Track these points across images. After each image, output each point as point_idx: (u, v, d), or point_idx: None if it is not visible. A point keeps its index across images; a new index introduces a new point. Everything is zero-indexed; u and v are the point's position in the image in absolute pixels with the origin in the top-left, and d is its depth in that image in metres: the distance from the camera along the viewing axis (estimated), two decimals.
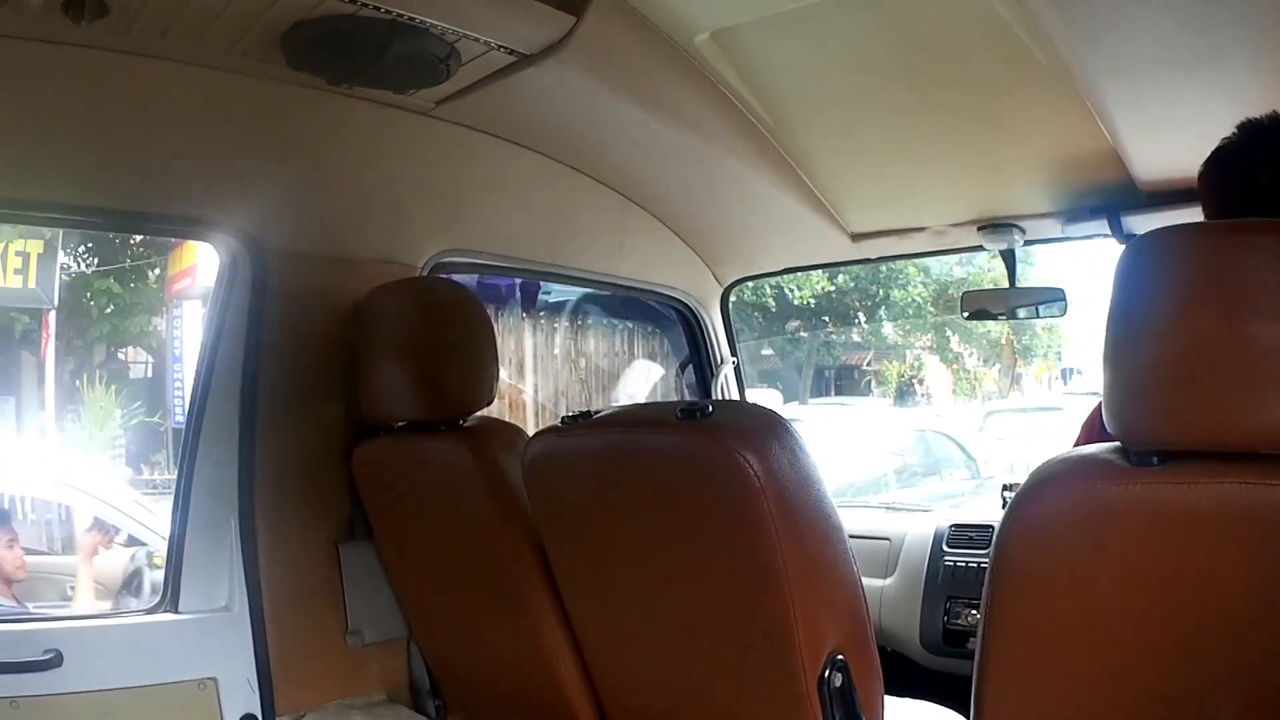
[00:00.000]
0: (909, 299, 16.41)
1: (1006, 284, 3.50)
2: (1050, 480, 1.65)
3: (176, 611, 2.85)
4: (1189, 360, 1.50)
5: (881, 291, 16.47)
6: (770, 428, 1.99)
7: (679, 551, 2.14)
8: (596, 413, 2.31)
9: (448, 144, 3.16)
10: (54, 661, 2.58)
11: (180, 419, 12.11)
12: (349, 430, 2.95)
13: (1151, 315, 1.55)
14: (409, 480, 2.82)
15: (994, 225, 3.31)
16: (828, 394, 18.83)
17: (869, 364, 18.03)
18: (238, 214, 2.82)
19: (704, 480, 2.00)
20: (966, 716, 2.60)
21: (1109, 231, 3.15)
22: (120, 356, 12.70)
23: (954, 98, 2.75)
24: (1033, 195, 3.15)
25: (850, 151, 3.08)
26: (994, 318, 3.58)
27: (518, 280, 3.91)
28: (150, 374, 13.34)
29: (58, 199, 2.62)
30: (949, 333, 17.57)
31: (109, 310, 12.58)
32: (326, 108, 2.90)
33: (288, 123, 2.87)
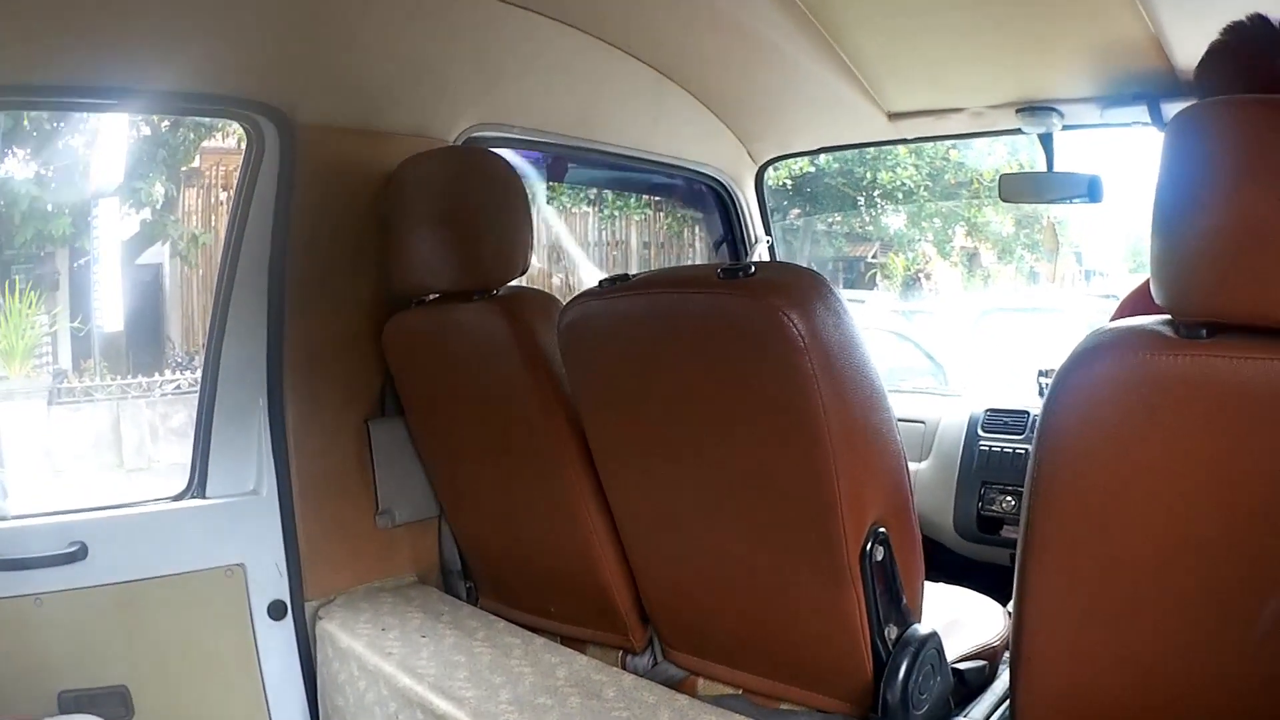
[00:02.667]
0: (897, 181, 15.93)
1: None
2: (1099, 350, 1.64)
3: (204, 497, 2.83)
4: (1238, 233, 1.49)
5: (869, 174, 16.07)
6: (815, 287, 1.97)
7: (720, 415, 2.11)
8: (634, 276, 2.27)
9: (481, 16, 3.09)
10: (78, 554, 2.56)
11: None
12: (379, 306, 2.91)
13: (1199, 188, 1.54)
14: (441, 352, 2.78)
15: (1032, 108, 3.27)
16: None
17: (874, 256, 17.57)
18: (264, 89, 2.75)
19: (746, 340, 1.97)
20: (1000, 604, 2.64)
21: (1148, 119, 3.13)
22: (47, 262, 12.46)
23: None
24: (1072, 79, 3.11)
25: (889, 28, 3.05)
26: (1031, 202, 3.56)
27: (547, 158, 3.84)
28: (80, 279, 13.12)
29: (71, 82, 2.54)
30: (952, 226, 17.01)
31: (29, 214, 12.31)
32: None
33: None
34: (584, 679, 2.33)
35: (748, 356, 1.99)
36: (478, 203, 2.68)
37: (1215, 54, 2.14)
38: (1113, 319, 1.87)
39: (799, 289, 1.94)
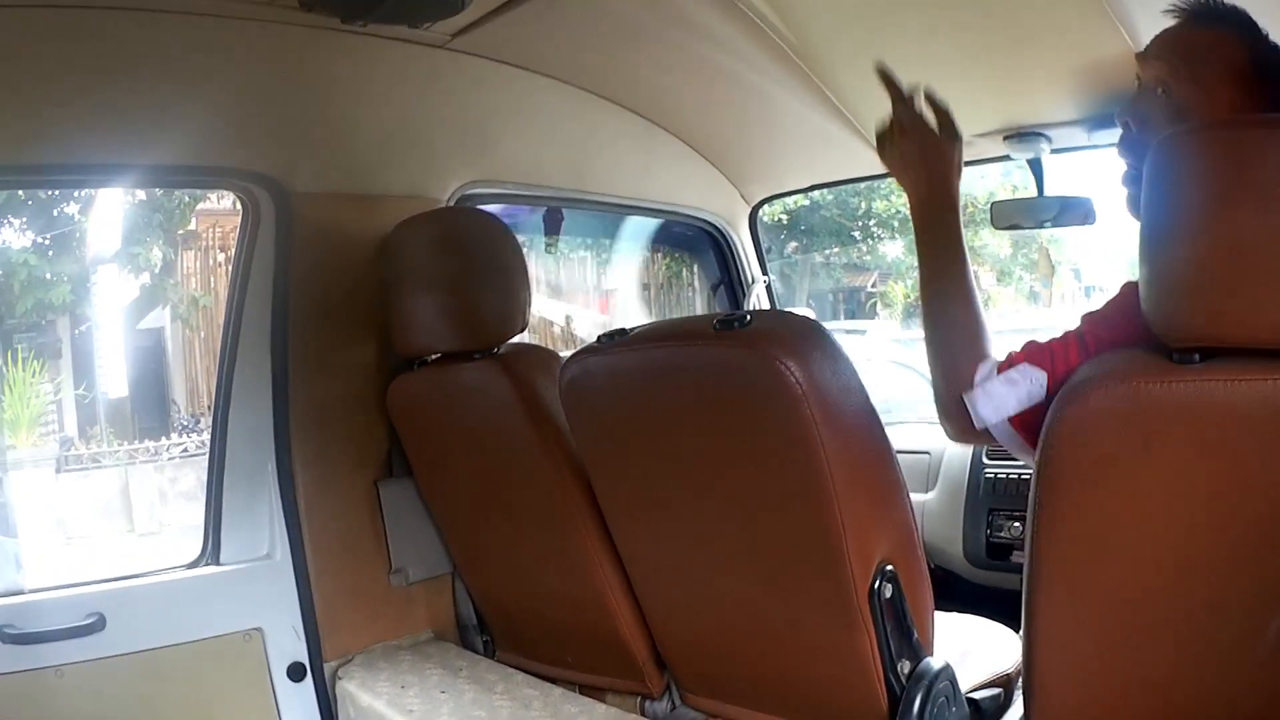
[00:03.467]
0: (892, 209, 15.82)
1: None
2: (1093, 381, 1.64)
3: (218, 564, 2.85)
4: (1225, 257, 1.50)
5: (864, 204, 15.98)
6: (810, 335, 1.98)
7: (723, 466, 2.13)
8: (632, 330, 2.28)
9: (466, 76, 3.12)
10: (97, 625, 2.56)
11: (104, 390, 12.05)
12: (382, 368, 2.94)
13: (1184, 213, 1.55)
14: (446, 412, 2.80)
15: (1020, 134, 3.28)
16: (833, 319, 17.73)
17: (874, 285, 17.45)
18: (258, 159, 2.79)
19: (746, 391, 1.99)
20: (1014, 629, 2.64)
21: None
22: (49, 330, 12.49)
23: (976, 7, 2.74)
24: (1058, 103, 3.12)
25: (871, 64, 3.07)
26: (1024, 228, 3.56)
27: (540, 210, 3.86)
28: (82, 346, 13.14)
29: (69, 160, 2.58)
30: None
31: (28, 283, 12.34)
32: (341, 47, 2.85)
33: (302, 65, 2.82)
34: None
35: (748, 407, 2.01)
36: (474, 263, 2.70)
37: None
38: (1103, 308, 1.89)
39: (796, 338, 1.95)
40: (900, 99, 2.18)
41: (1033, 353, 1.90)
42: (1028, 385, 1.86)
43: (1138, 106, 2.06)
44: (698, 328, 2.10)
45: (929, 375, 2.06)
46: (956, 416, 1.99)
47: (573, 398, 2.36)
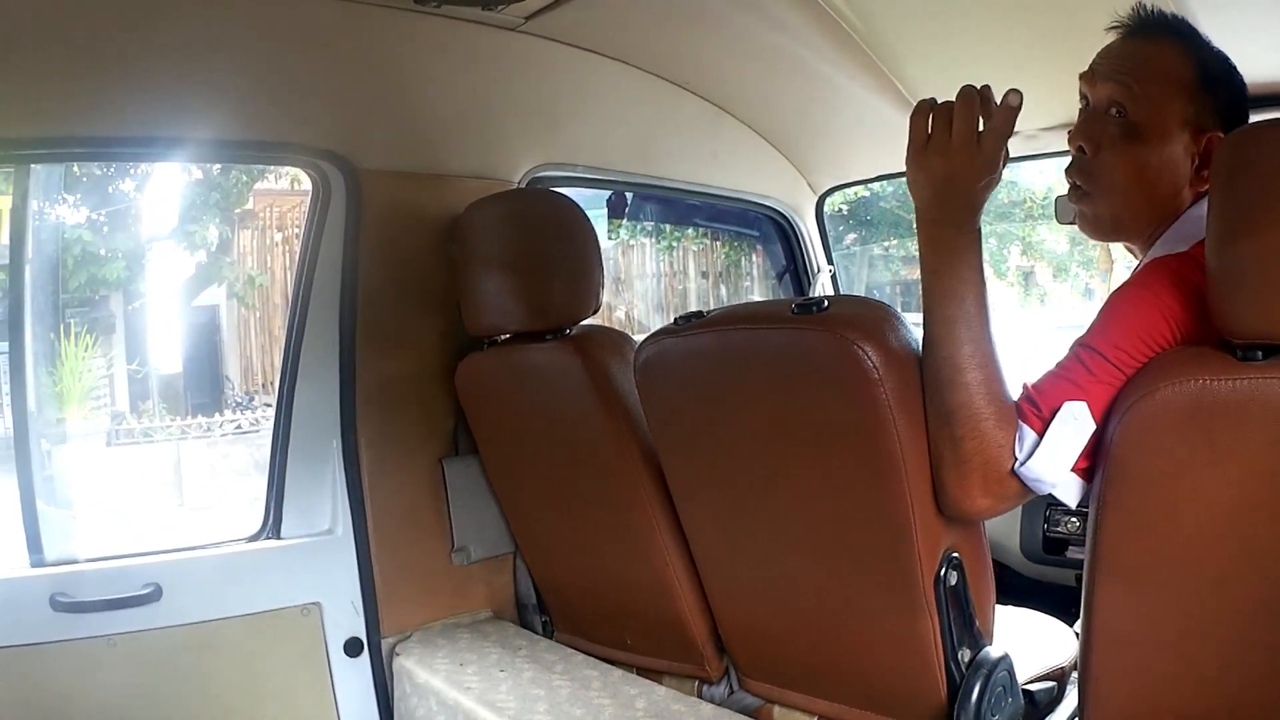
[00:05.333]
0: None
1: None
2: (1158, 376, 1.65)
3: (279, 538, 2.88)
4: None
5: None
6: (887, 320, 1.98)
7: (796, 448, 2.13)
8: (709, 313, 2.29)
9: (538, 59, 3.13)
10: (152, 596, 2.60)
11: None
12: (449, 346, 2.96)
13: (1254, 209, 1.56)
14: (515, 392, 2.82)
15: None
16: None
17: None
18: (329, 137, 2.81)
19: (822, 374, 2.00)
20: (1066, 624, 2.63)
21: None
22: (102, 306, 12.55)
23: (1042, 2, 2.74)
24: None
25: (940, 55, 3.06)
26: None
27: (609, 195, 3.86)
28: (136, 322, 13.20)
29: (137, 133, 2.61)
30: (1007, 246, 16.70)
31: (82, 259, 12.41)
32: (413, 28, 2.87)
33: (375, 45, 2.84)
34: (663, 709, 2.36)
35: (823, 389, 2.01)
36: (548, 244, 2.72)
37: None
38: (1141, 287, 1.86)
39: (873, 322, 1.96)
40: (973, 110, 1.89)
41: (1052, 389, 1.83)
42: (1074, 424, 1.79)
43: (1090, 129, 2.05)
44: (776, 311, 2.11)
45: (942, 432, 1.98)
46: (995, 485, 1.89)
47: (648, 378, 2.37)
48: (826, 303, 2.01)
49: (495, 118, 3.08)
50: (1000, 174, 1.89)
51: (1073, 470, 1.82)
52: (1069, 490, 1.85)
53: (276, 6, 2.67)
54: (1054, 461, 1.81)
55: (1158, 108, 1.97)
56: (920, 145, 1.91)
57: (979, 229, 1.93)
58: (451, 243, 2.88)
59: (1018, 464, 1.84)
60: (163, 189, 11.80)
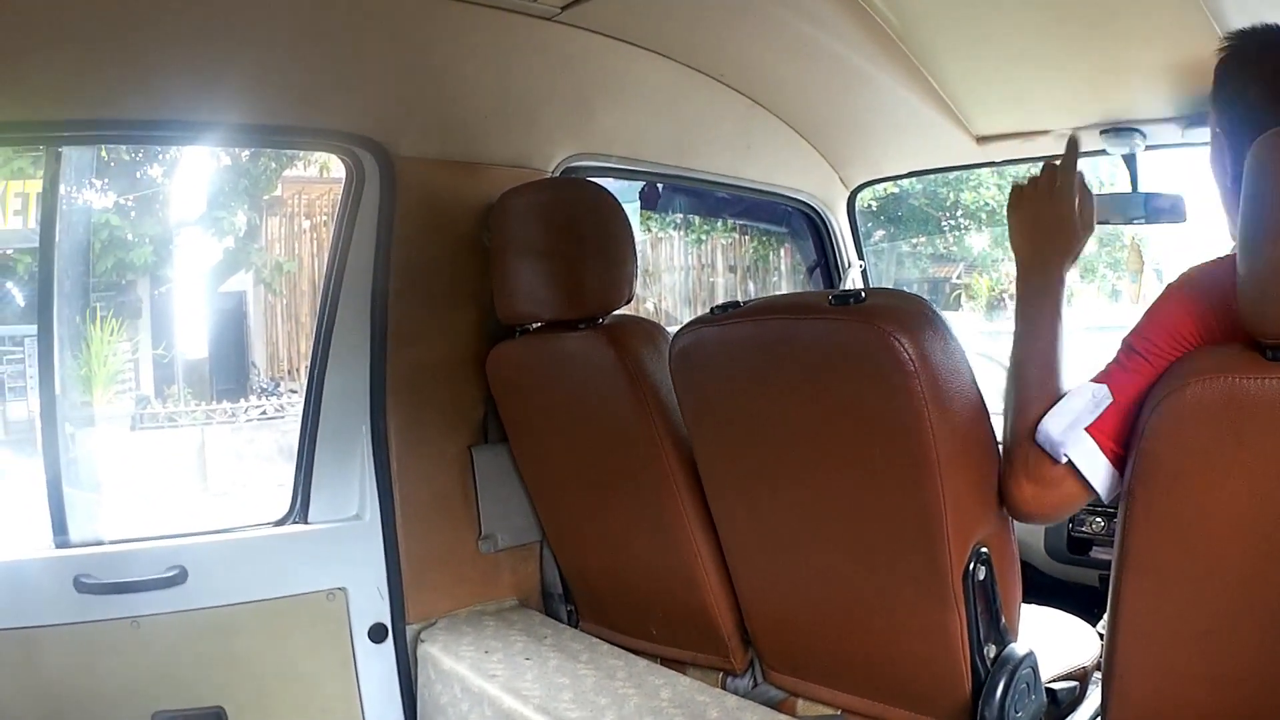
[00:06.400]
0: (980, 201, 15.61)
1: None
2: (1190, 372, 1.66)
3: (306, 522, 2.89)
4: None
5: (952, 195, 15.78)
6: (924, 314, 1.99)
7: (829, 439, 2.14)
8: (745, 302, 2.30)
9: (574, 49, 3.13)
10: (178, 578, 2.61)
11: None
12: (481, 334, 2.96)
13: (1277, 210, 1.56)
14: (546, 380, 2.83)
15: (1116, 129, 3.24)
16: None
17: (959, 277, 17.24)
18: (365, 123, 2.81)
19: (857, 365, 2.00)
20: (1089, 624, 2.63)
21: None
22: (129, 290, 12.59)
23: (1078, 3, 2.73)
24: (1153, 100, 3.09)
25: (974, 52, 3.06)
26: (1115, 223, 3.50)
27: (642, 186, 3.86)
28: (162, 307, 13.24)
29: (171, 115, 2.61)
30: None
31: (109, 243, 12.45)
32: (450, 15, 2.87)
33: (412, 31, 2.84)
34: (688, 700, 2.36)
35: (858, 381, 2.02)
36: (583, 233, 2.71)
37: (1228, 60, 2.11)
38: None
39: (910, 315, 1.97)
40: (1073, 167, 2.12)
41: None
42: (1090, 398, 1.85)
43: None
44: (813, 301, 2.13)
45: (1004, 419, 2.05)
46: (1035, 467, 1.95)
47: (683, 367, 2.37)
48: (864, 295, 2.02)
49: (530, 107, 3.08)
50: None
51: (1103, 454, 1.85)
52: (1097, 469, 1.86)
53: None
54: (1063, 422, 1.86)
55: None
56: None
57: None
58: (485, 230, 2.88)
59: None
60: (191, 175, 11.86)
